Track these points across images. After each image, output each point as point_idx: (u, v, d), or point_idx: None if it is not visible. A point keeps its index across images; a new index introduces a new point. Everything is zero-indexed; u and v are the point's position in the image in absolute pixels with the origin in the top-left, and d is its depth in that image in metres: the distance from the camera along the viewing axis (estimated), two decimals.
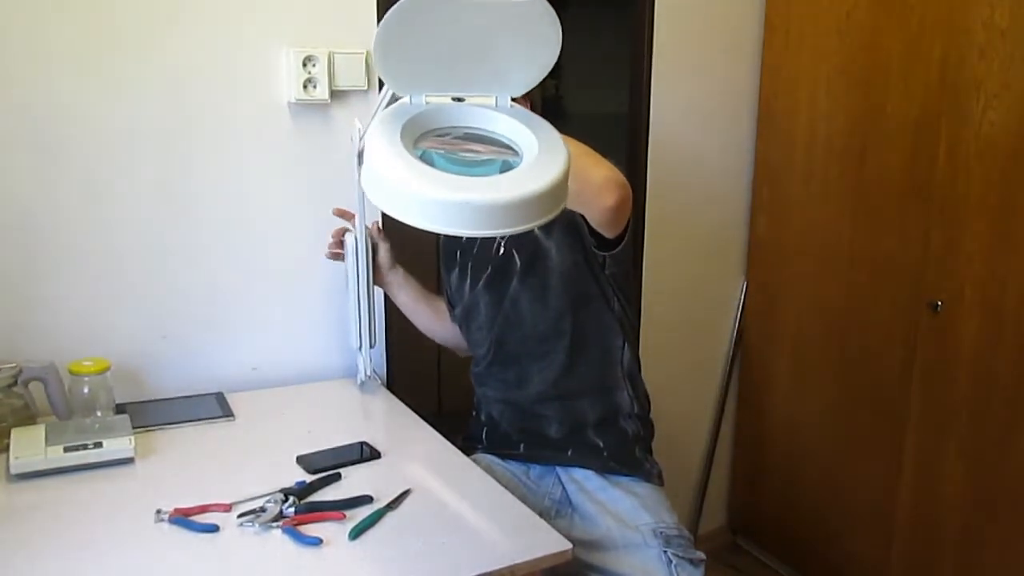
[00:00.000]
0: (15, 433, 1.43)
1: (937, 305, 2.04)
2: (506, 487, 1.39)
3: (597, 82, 3.41)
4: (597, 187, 1.35)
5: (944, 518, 2.09)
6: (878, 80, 2.13)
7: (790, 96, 2.40)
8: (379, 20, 1.82)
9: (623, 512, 1.55)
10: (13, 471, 1.35)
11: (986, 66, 1.88)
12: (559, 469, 1.65)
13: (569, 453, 1.63)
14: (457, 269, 1.72)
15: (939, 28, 1.98)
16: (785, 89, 2.41)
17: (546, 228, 1.55)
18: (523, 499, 1.36)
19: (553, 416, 1.64)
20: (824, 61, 2.28)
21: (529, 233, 1.53)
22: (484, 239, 1.63)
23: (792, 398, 2.51)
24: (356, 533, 1.21)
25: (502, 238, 1.61)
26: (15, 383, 1.51)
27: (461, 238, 1.68)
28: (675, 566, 1.47)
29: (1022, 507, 1.93)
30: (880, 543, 2.26)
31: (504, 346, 1.66)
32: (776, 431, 2.58)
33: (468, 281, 1.68)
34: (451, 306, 1.78)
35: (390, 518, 1.27)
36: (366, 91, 1.84)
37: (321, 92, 1.78)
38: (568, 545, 1.21)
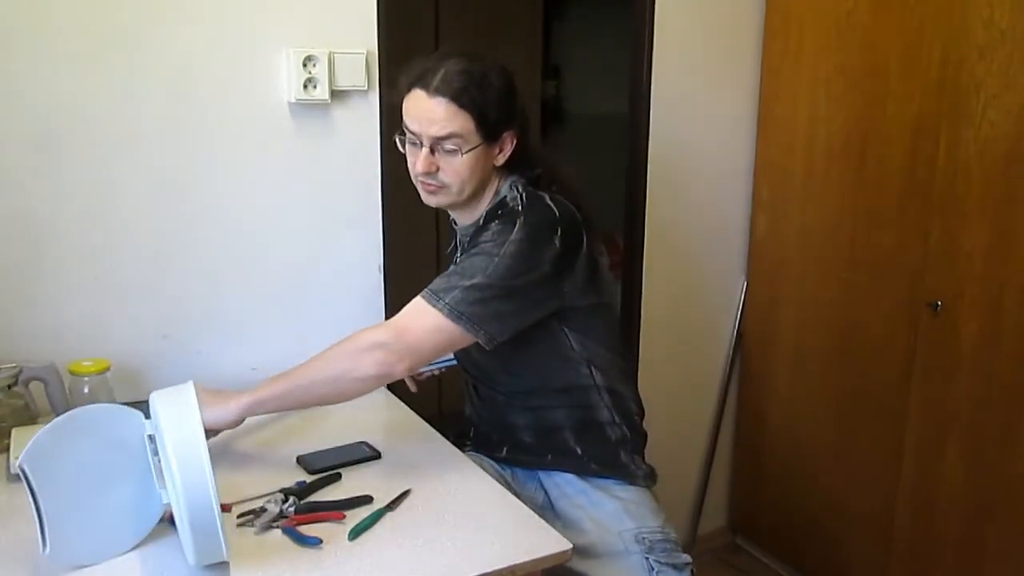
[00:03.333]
0: (15, 433, 1.44)
1: (937, 305, 2.04)
2: None
3: (597, 82, 3.41)
4: (352, 385, 1.39)
5: (944, 519, 2.09)
6: (878, 80, 2.13)
7: (790, 96, 2.40)
8: (379, 20, 1.85)
9: (605, 517, 1.51)
10: (13, 471, 1.34)
11: (986, 66, 1.88)
12: (540, 474, 1.60)
13: (548, 458, 1.58)
14: None
15: (939, 28, 1.98)
16: (785, 89, 2.41)
17: None
18: None
19: (526, 425, 1.58)
20: (824, 61, 2.28)
21: None
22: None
23: (792, 398, 2.51)
24: (356, 533, 1.21)
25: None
26: (15, 383, 1.51)
27: (454, 250, 1.65)
28: (657, 573, 1.46)
29: (1022, 507, 1.93)
30: (880, 543, 2.26)
31: (464, 365, 1.63)
32: (776, 431, 2.58)
33: None
34: None
35: (390, 518, 1.27)
36: (366, 91, 1.84)
37: (321, 92, 1.78)
38: (568, 545, 1.21)
